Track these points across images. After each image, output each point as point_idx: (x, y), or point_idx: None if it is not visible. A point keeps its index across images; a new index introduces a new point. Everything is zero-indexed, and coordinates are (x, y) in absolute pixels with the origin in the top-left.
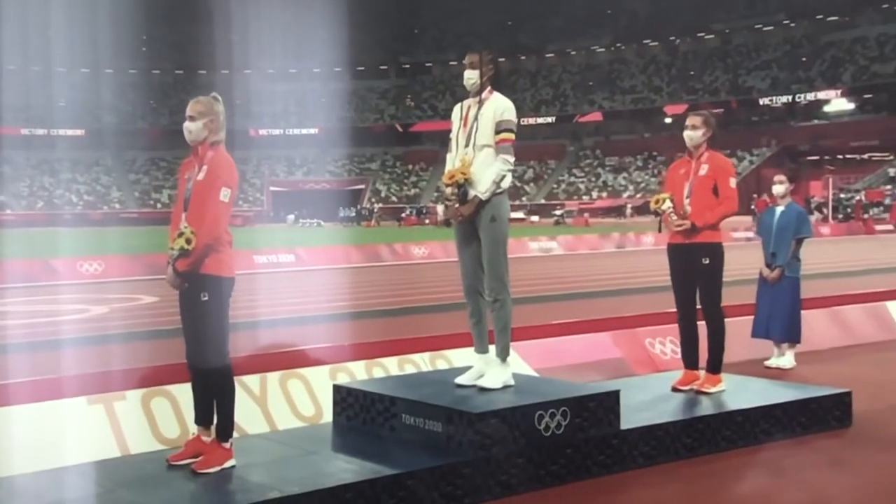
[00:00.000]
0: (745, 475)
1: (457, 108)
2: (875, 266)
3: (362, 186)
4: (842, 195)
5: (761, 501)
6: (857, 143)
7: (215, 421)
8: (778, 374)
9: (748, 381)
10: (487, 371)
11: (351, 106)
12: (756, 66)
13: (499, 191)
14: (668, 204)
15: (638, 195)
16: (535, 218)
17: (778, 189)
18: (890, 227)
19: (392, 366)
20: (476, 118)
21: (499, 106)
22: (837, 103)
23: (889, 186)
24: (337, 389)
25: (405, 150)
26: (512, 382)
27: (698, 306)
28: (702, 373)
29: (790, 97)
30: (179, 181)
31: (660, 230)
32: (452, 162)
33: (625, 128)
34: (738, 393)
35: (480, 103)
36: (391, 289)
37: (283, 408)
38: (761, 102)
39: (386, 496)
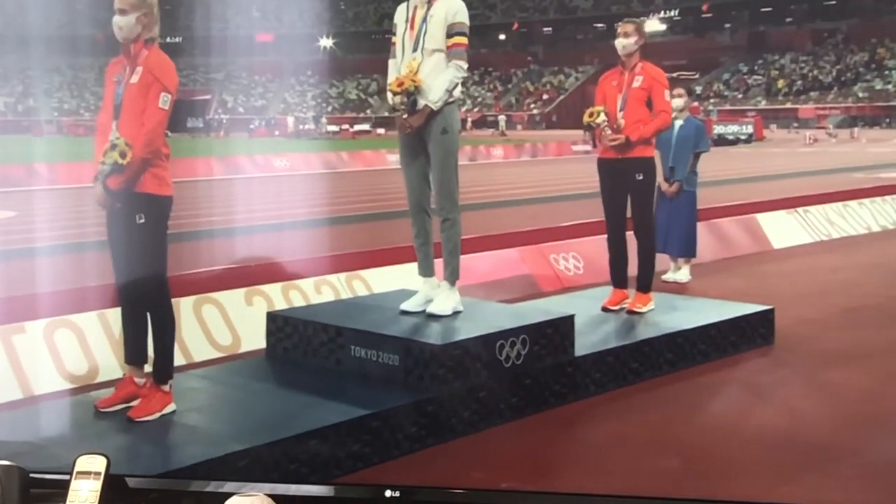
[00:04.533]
0: (699, 401)
1: (401, 9)
2: (711, 178)
3: (208, 97)
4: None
5: (725, 426)
6: (669, 63)
7: (152, 359)
8: (677, 289)
9: (673, 300)
10: (436, 296)
11: (196, 15)
12: None
13: (450, 100)
14: (602, 118)
15: (475, 109)
16: (381, 130)
17: (677, 102)
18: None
19: (308, 288)
20: (425, 20)
21: (451, 7)
22: (651, 24)
23: (696, 103)
24: (272, 318)
25: (251, 61)
26: (461, 308)
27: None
28: (631, 291)
29: (611, 17)
30: (106, 84)
31: (594, 145)
32: (398, 68)
33: None
34: (669, 312)
35: (429, 3)
36: (269, 202)
37: (199, 337)
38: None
39: (351, 441)
